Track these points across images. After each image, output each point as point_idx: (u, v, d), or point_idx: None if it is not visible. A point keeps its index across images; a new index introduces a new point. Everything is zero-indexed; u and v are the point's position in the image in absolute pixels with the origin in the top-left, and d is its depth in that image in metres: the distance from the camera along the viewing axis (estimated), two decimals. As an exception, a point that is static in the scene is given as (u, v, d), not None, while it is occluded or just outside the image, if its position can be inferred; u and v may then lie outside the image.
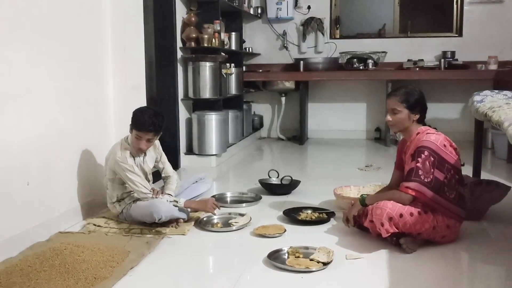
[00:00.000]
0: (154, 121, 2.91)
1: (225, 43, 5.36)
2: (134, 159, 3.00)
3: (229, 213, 3.24)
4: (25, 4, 2.67)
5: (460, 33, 6.37)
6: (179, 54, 4.84)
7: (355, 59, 6.18)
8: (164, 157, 3.28)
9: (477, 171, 3.83)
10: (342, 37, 6.74)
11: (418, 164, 2.59)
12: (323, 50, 6.64)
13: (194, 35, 4.84)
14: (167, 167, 3.28)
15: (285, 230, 2.91)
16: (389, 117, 2.76)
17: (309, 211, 3.24)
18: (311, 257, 2.47)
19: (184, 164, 4.89)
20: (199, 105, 5.02)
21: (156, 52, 4.58)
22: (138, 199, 3.02)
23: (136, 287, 2.27)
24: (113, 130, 3.55)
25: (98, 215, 3.21)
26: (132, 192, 3.05)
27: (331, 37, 6.70)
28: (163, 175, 3.29)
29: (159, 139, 3.20)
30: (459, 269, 2.59)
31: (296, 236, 2.86)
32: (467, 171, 3.46)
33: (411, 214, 2.56)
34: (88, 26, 3.30)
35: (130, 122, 2.98)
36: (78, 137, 3.20)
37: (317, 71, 6.31)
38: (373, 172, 4.63)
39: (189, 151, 5.02)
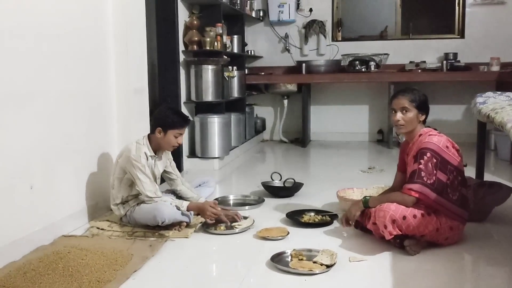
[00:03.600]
0: (186, 116, 3.11)
1: (227, 46, 5.37)
2: (147, 161, 3.01)
3: (232, 216, 3.24)
4: (28, 7, 2.68)
5: (462, 34, 6.37)
6: (182, 57, 4.85)
7: (357, 61, 6.18)
8: (173, 164, 3.30)
9: (480, 172, 3.82)
10: (344, 39, 6.74)
11: (421, 166, 2.58)
12: (325, 53, 6.65)
13: (196, 38, 4.85)
14: (176, 172, 3.30)
15: (288, 233, 2.91)
16: (398, 117, 2.72)
17: (312, 214, 3.24)
18: (315, 259, 2.46)
19: (187, 167, 4.89)
20: (202, 108, 5.02)
21: (158, 55, 4.60)
22: (142, 202, 3.03)
23: (140, 290, 2.28)
24: (116, 133, 3.55)
25: (101, 218, 3.22)
26: (138, 195, 3.05)
27: (333, 40, 6.71)
28: (170, 177, 3.29)
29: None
30: (463, 271, 2.58)
31: (299, 239, 2.86)
32: (470, 172, 3.45)
33: (414, 216, 2.55)
34: (90, 30, 3.30)
35: (162, 124, 2.99)
36: (81, 140, 3.20)
37: (319, 73, 6.31)
38: (376, 174, 4.62)
39: (192, 154, 5.03)
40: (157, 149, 3.10)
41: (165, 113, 3.04)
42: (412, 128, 2.74)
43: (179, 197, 3.26)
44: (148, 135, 3.09)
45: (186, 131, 4.82)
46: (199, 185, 3.55)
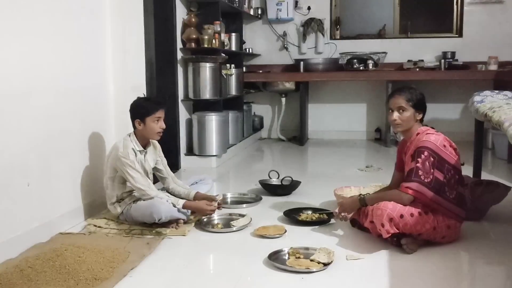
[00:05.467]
0: (158, 99, 3.14)
1: (225, 44, 5.36)
2: (136, 156, 3.01)
3: (230, 214, 3.24)
4: (26, 5, 2.68)
5: (460, 33, 6.37)
6: (179, 55, 4.85)
7: (355, 60, 6.18)
8: (165, 161, 3.29)
9: (477, 171, 3.82)
10: (342, 37, 6.74)
11: (418, 165, 2.58)
12: (323, 51, 6.64)
13: (194, 36, 4.84)
14: (167, 170, 3.29)
15: (286, 231, 2.91)
16: (395, 116, 2.73)
17: (310, 212, 3.24)
18: (312, 257, 2.47)
19: (185, 165, 4.89)
20: (199, 106, 5.02)
21: (156, 53, 4.59)
22: (138, 199, 3.03)
23: (137, 288, 2.28)
24: (113, 131, 3.55)
25: (98, 216, 3.21)
26: (133, 191, 3.05)
27: (331, 38, 6.70)
28: (162, 175, 3.29)
29: (158, 141, 3.23)
30: (460, 270, 2.59)
31: (296, 237, 2.86)
32: (467, 171, 3.46)
33: (412, 215, 2.55)
34: (88, 27, 3.30)
35: (138, 115, 3.01)
36: (79, 138, 3.20)
37: (317, 71, 6.31)
38: (373, 173, 4.63)
39: (190, 152, 5.02)
40: (145, 143, 3.11)
41: (136, 104, 3.05)
42: (409, 127, 2.75)
43: (172, 194, 3.25)
44: (134, 131, 3.09)
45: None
46: (196, 182, 3.54)
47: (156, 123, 3.02)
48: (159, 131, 3.05)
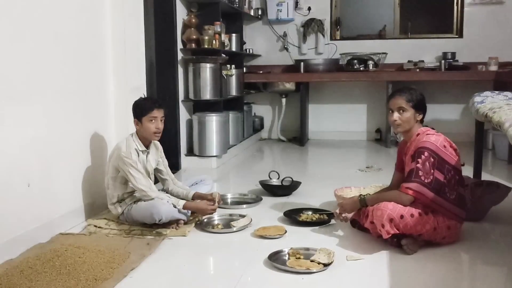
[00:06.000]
0: (157, 99, 3.14)
1: (225, 44, 5.36)
2: (138, 156, 3.01)
3: (230, 215, 3.24)
4: (26, 6, 2.68)
5: (460, 34, 6.37)
6: (180, 55, 4.85)
7: (355, 60, 6.19)
8: (166, 162, 3.29)
9: (477, 172, 3.82)
10: (342, 38, 6.74)
11: (418, 165, 2.59)
12: (323, 52, 6.64)
13: (194, 37, 4.85)
14: (168, 171, 3.29)
15: (286, 231, 2.91)
16: (395, 117, 2.73)
17: (310, 212, 3.24)
18: (312, 258, 2.46)
19: (185, 165, 4.89)
20: (200, 106, 5.02)
21: (156, 53, 4.59)
22: (139, 200, 3.03)
23: (137, 288, 2.28)
24: (113, 131, 3.55)
25: (99, 217, 3.21)
26: (134, 192, 3.05)
27: (331, 38, 6.71)
28: (162, 177, 3.29)
29: (159, 142, 3.22)
30: (460, 270, 2.59)
31: (296, 237, 2.86)
32: (467, 172, 3.46)
33: (412, 215, 2.55)
34: (89, 28, 3.30)
35: (135, 115, 3.02)
36: (79, 138, 3.20)
37: (318, 72, 6.31)
38: (373, 173, 4.63)
39: (190, 152, 5.03)
40: (147, 143, 3.11)
41: (135, 104, 3.06)
42: (409, 128, 2.75)
43: (171, 195, 3.25)
44: (136, 131, 3.10)
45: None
46: (196, 183, 3.53)
47: (152, 123, 3.00)
48: (155, 131, 3.02)
